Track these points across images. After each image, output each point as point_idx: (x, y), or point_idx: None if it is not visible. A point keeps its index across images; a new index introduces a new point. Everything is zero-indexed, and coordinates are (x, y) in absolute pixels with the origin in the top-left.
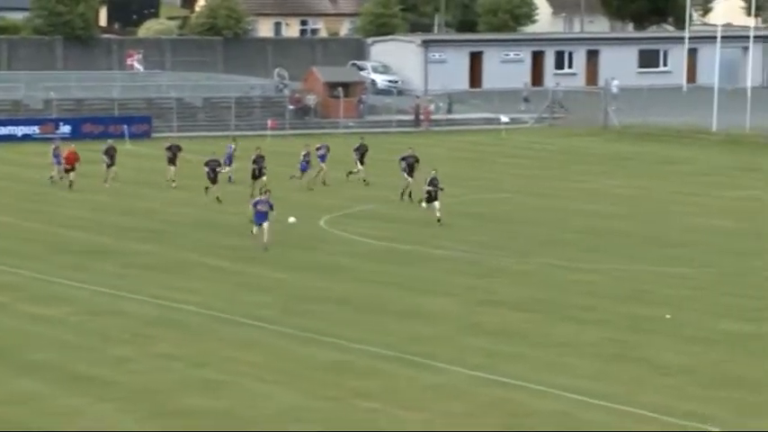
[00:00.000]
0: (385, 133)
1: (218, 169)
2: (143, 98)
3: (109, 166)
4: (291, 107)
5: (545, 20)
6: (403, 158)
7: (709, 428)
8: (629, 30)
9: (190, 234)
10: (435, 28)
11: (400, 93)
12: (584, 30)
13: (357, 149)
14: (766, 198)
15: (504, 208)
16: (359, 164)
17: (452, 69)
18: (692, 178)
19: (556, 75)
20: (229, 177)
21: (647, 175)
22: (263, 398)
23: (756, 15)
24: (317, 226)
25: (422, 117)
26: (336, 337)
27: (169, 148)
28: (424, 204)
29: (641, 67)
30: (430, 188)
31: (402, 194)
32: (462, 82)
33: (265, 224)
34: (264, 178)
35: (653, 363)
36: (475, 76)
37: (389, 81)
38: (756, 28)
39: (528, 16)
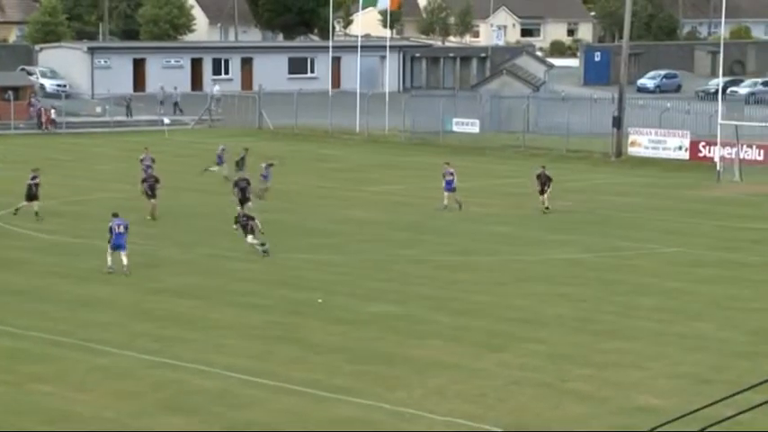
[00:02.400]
0: (56, 134)
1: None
2: None
3: None
4: None
5: (203, 29)
6: (235, 183)
7: (354, 399)
8: (280, 39)
9: None
10: (100, 36)
11: (68, 96)
12: (238, 39)
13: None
14: (405, 192)
15: (169, 203)
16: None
17: (117, 74)
18: (340, 174)
19: (214, 80)
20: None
21: (300, 171)
22: None
23: (392, 27)
24: None
25: (43, 120)
26: (13, 326)
27: None
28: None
29: (291, 73)
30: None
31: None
32: (127, 86)
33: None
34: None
35: (308, 342)
36: (139, 81)
37: (58, 85)
38: (392, 39)
39: (186, 26)
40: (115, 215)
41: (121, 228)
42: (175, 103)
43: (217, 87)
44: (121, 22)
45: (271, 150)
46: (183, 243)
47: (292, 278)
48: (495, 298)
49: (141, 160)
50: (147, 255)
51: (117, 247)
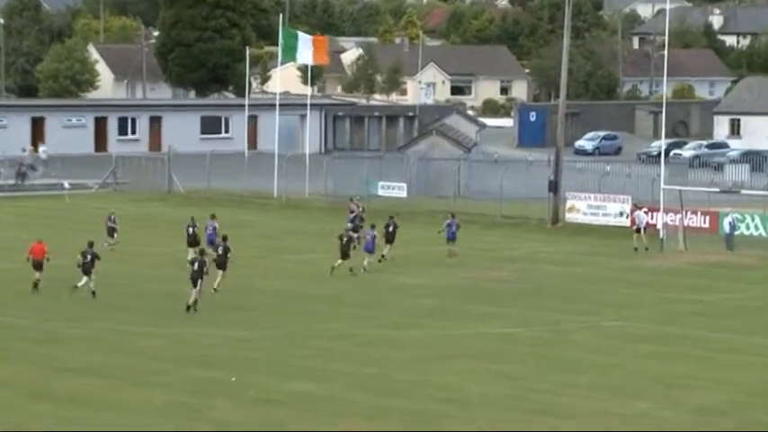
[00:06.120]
0: None
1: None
2: None
3: None
4: None
5: (107, 86)
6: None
7: None
8: (192, 97)
9: None
10: None
11: None
12: (146, 96)
13: None
14: (327, 261)
15: (71, 273)
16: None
17: (13, 134)
18: (256, 242)
19: (119, 140)
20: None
21: None
22: None
23: (313, 84)
24: None
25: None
26: None
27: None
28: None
29: (204, 133)
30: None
31: None
32: (25, 147)
33: None
34: None
35: (218, 423)
36: (37, 141)
37: None
38: (313, 96)
39: (90, 82)
40: None
41: None
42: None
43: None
44: (19, 77)
45: (180, 216)
46: (73, 317)
47: (203, 356)
48: (421, 376)
49: (205, 228)
50: (43, 330)
51: None
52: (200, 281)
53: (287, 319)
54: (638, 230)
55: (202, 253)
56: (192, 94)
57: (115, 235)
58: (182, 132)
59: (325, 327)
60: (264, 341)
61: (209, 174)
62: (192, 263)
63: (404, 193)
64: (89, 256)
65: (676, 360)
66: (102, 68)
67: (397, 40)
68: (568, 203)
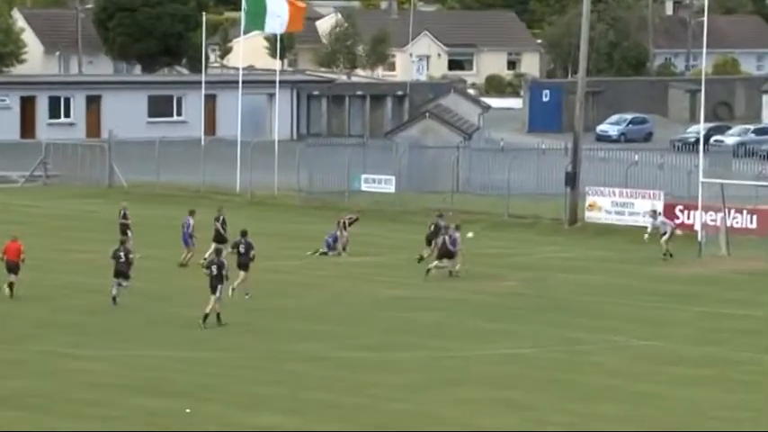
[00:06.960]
0: None
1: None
2: None
3: None
4: None
5: (36, 59)
6: None
7: None
8: (137, 72)
9: None
10: None
11: None
12: (83, 71)
13: None
14: (300, 269)
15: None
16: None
17: None
18: None
19: (50, 125)
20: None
21: (163, 242)
22: None
23: (282, 57)
24: None
25: None
26: None
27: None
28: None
29: (152, 115)
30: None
31: None
32: None
33: None
34: None
35: None
36: None
37: None
38: (283, 72)
39: (15, 55)
40: None
41: None
42: None
43: None
44: None
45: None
46: (10, 338)
47: (151, 381)
48: (417, 406)
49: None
50: None
51: None
52: (220, 286)
53: (251, 337)
54: (663, 234)
55: (219, 253)
56: (138, 69)
57: (129, 233)
58: (125, 115)
59: (297, 348)
60: (226, 364)
61: (158, 165)
62: (209, 266)
63: (392, 188)
64: (123, 256)
65: (719, 386)
66: (30, 38)
67: (384, 5)
68: (589, 200)
